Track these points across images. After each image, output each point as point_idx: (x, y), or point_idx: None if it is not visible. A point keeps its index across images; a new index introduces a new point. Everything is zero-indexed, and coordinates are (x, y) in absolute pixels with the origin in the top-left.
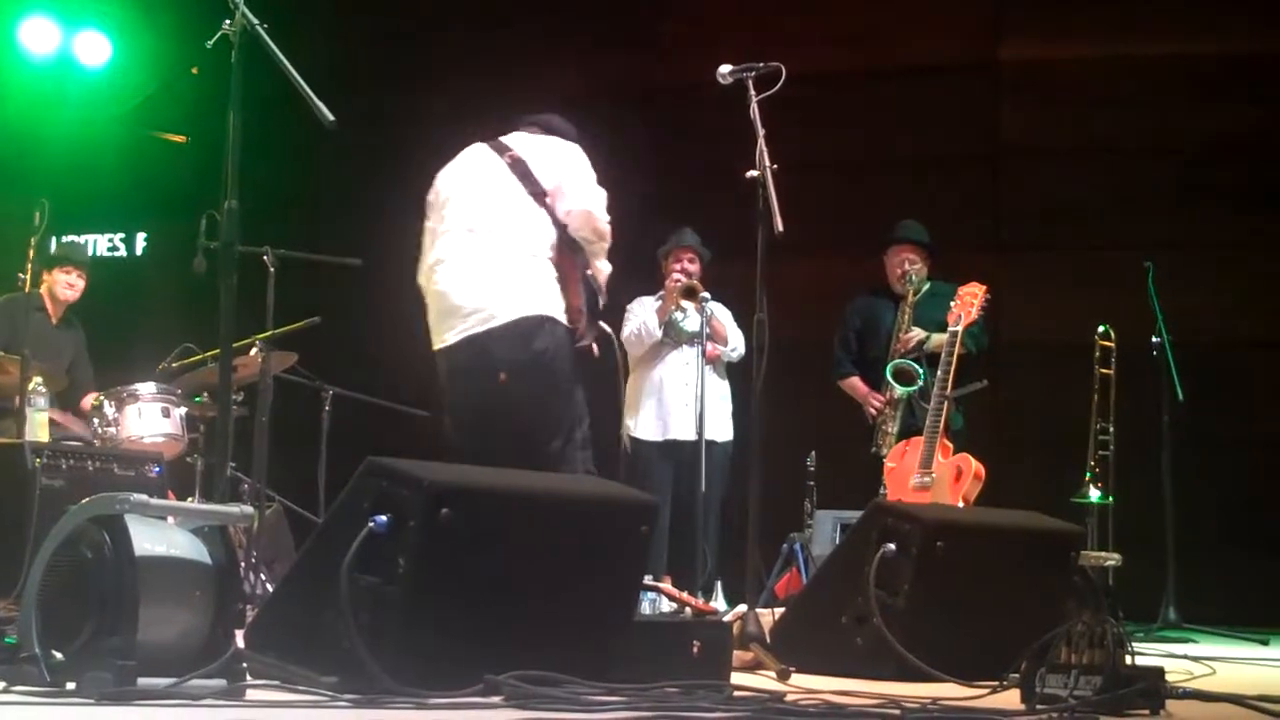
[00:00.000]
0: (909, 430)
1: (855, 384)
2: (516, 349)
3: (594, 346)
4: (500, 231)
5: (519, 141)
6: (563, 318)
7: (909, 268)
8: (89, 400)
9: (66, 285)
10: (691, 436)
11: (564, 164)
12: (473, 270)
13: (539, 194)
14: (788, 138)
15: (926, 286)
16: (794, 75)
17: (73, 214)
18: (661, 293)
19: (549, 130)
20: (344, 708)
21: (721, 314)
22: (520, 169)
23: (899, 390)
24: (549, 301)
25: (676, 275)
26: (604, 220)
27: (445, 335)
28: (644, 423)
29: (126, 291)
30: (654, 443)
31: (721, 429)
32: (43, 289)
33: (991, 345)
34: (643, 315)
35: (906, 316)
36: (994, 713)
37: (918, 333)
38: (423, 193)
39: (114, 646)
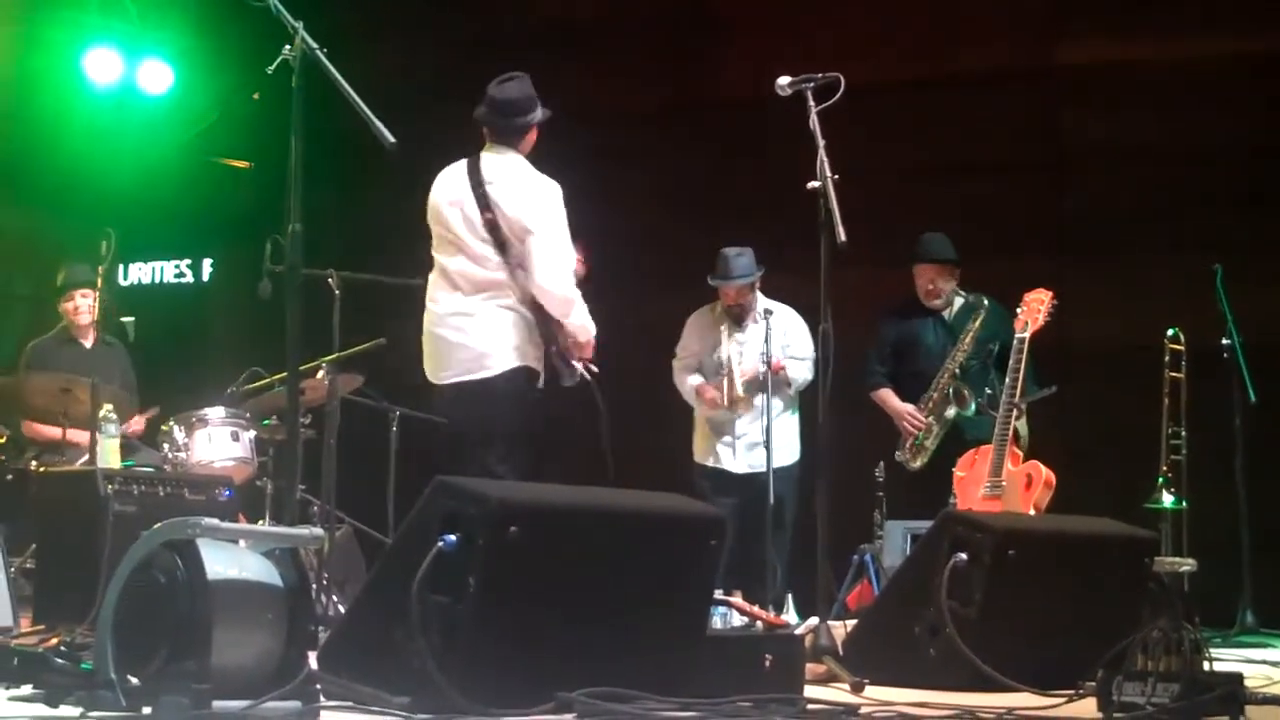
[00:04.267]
0: (941, 451)
1: (886, 396)
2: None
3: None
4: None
5: (494, 178)
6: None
7: (940, 285)
8: (136, 423)
9: (74, 310)
10: (741, 470)
11: (530, 223)
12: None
13: (508, 259)
14: (847, 148)
15: (958, 303)
16: (852, 85)
17: (139, 242)
18: (713, 306)
19: (509, 133)
20: None
21: (792, 329)
22: (494, 231)
23: (951, 411)
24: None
25: (717, 396)
26: (567, 294)
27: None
28: (700, 448)
29: (194, 317)
30: (708, 467)
31: (783, 454)
32: (64, 322)
33: (1059, 351)
34: (687, 359)
35: (970, 336)
36: None
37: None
38: None
39: (189, 670)
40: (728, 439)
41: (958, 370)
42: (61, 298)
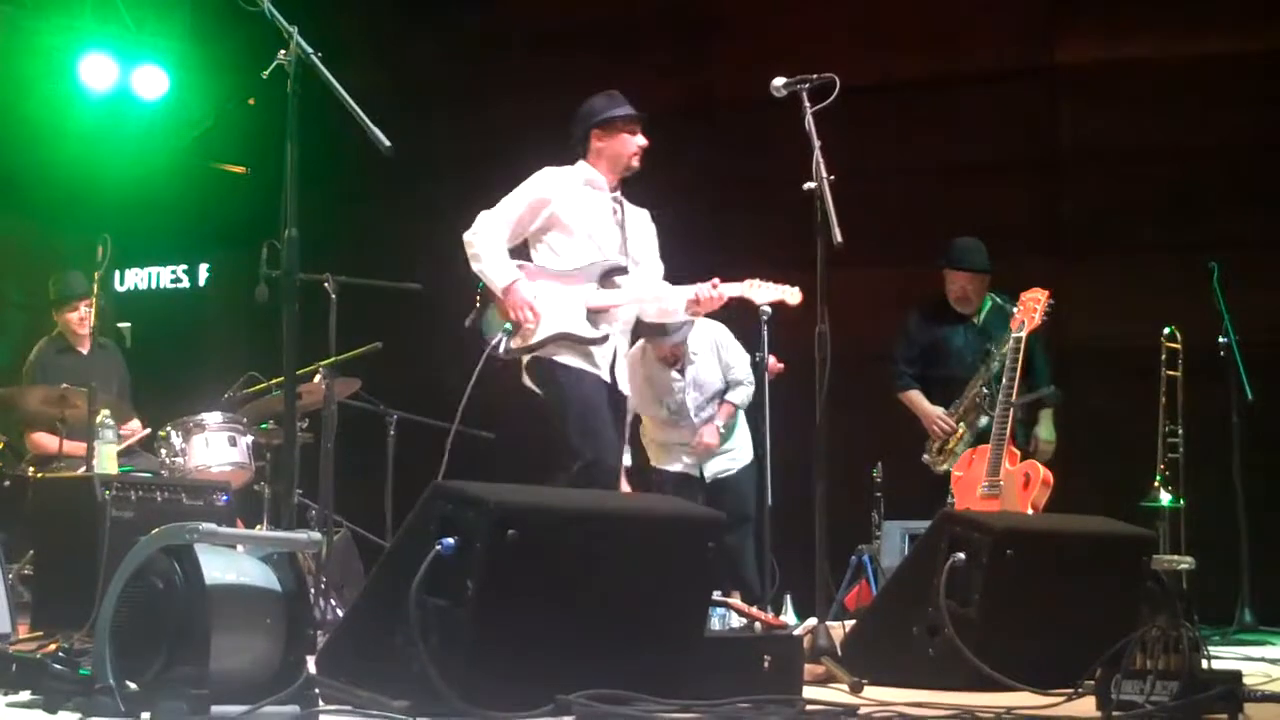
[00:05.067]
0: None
1: (915, 398)
2: None
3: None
4: None
5: None
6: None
7: (973, 294)
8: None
9: (79, 321)
10: (708, 474)
11: None
12: None
13: None
14: (844, 148)
15: (987, 306)
16: (848, 85)
17: (135, 248)
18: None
19: (575, 148)
20: None
21: (731, 352)
22: None
23: (983, 420)
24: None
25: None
26: (466, 235)
27: None
28: (658, 454)
29: (191, 322)
30: (671, 472)
31: (733, 458)
32: (60, 330)
33: (1057, 350)
34: None
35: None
36: None
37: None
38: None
39: (187, 675)
40: (672, 413)
41: (991, 379)
42: (65, 308)
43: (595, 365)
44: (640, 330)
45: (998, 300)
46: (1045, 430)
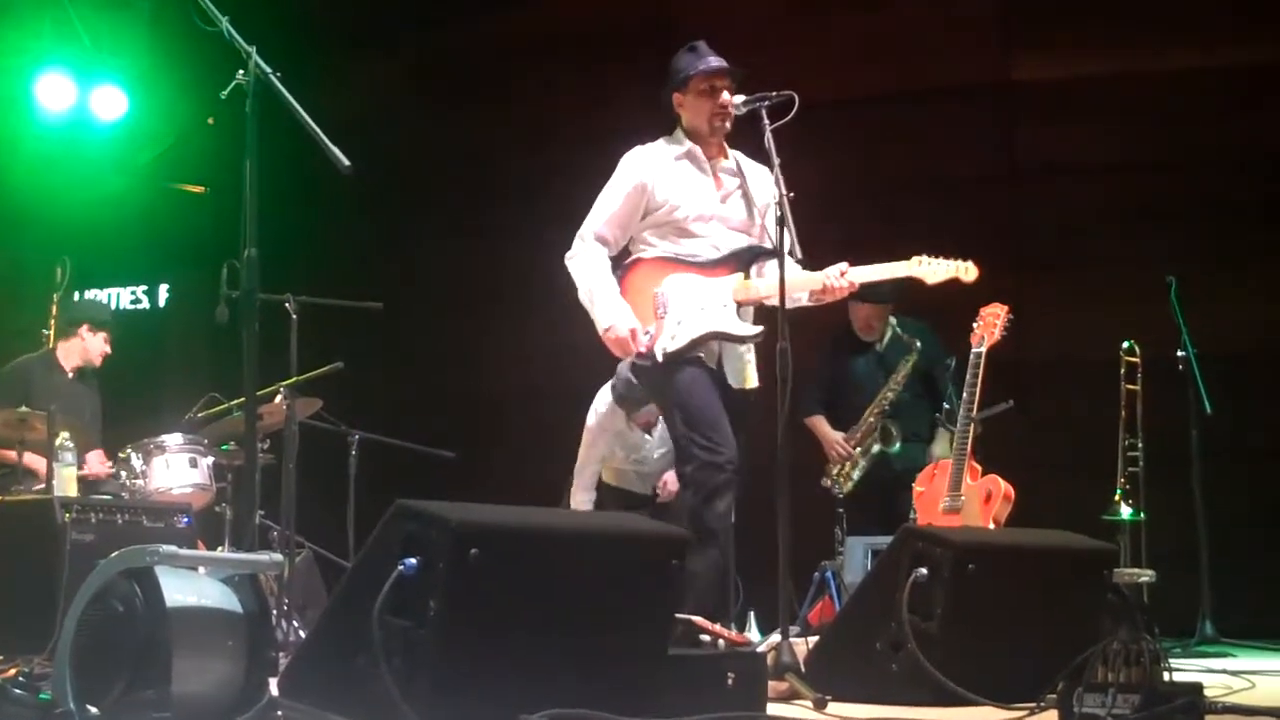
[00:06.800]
0: (872, 478)
1: (818, 423)
2: None
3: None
4: None
5: None
6: None
7: (876, 324)
8: (94, 457)
9: (103, 353)
10: (647, 491)
11: None
12: None
13: None
14: (802, 163)
15: (889, 334)
16: (807, 101)
17: (95, 268)
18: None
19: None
20: None
21: None
22: None
23: (876, 448)
24: None
25: None
26: (568, 257)
27: None
28: (605, 471)
29: (151, 343)
30: (618, 489)
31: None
32: (62, 348)
33: (1016, 365)
34: (588, 478)
35: (902, 375)
36: None
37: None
38: (444, 233)
39: (149, 699)
40: (635, 461)
41: (887, 407)
42: (103, 331)
43: (708, 364)
44: (620, 401)
45: (897, 329)
46: (941, 448)
